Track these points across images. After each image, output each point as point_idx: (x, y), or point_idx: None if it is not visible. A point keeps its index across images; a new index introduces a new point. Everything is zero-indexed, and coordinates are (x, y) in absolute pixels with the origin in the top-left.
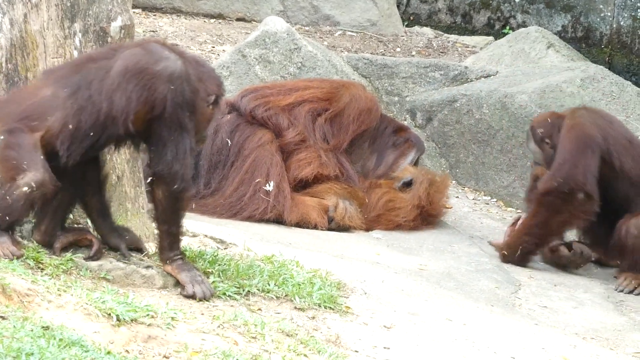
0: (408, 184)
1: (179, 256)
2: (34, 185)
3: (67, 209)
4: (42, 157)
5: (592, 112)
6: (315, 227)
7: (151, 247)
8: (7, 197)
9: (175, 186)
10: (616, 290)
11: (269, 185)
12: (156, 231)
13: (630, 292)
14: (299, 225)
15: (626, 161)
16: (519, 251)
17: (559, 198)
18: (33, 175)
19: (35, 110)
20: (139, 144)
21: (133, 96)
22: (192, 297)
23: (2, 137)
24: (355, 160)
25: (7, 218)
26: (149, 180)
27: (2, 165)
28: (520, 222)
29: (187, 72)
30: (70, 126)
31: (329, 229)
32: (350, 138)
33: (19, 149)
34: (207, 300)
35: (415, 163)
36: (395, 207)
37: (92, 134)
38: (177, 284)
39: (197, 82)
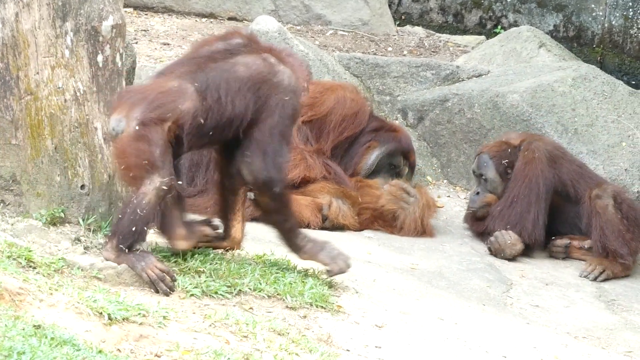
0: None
1: (305, 240)
2: (165, 189)
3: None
4: (170, 157)
5: (545, 143)
6: (308, 226)
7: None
8: (138, 210)
9: (276, 189)
10: (580, 276)
11: None
12: (276, 232)
13: (595, 278)
14: None
15: (580, 186)
16: None
17: None
18: (162, 178)
19: (165, 98)
20: (225, 149)
21: (250, 104)
22: (340, 272)
23: (136, 127)
24: (341, 161)
25: (134, 233)
26: (249, 189)
27: (133, 159)
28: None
29: (297, 83)
30: (202, 120)
31: (322, 228)
32: (332, 144)
33: (152, 144)
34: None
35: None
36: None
37: (211, 133)
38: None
39: (299, 85)
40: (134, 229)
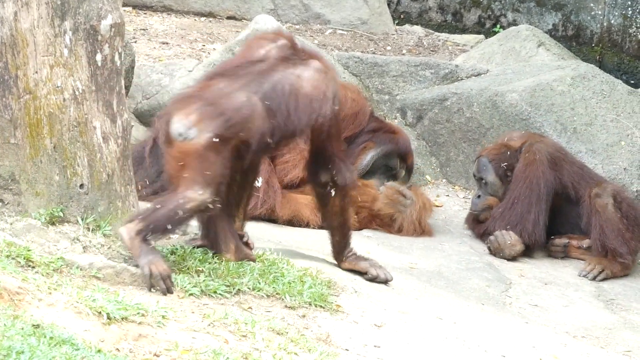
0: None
1: (352, 252)
2: (210, 207)
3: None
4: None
5: (547, 145)
6: (307, 225)
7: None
8: (179, 211)
9: (353, 192)
10: (579, 275)
11: (258, 182)
12: (333, 236)
13: (594, 277)
14: (291, 222)
15: (580, 187)
16: None
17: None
18: (212, 195)
19: (239, 116)
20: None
21: (312, 118)
22: (375, 279)
23: (210, 139)
24: None
25: (163, 229)
26: (329, 191)
27: (197, 164)
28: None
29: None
30: (269, 139)
31: (322, 227)
32: None
33: (219, 160)
34: (389, 282)
35: (396, 162)
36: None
37: (274, 147)
38: None
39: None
40: (166, 224)
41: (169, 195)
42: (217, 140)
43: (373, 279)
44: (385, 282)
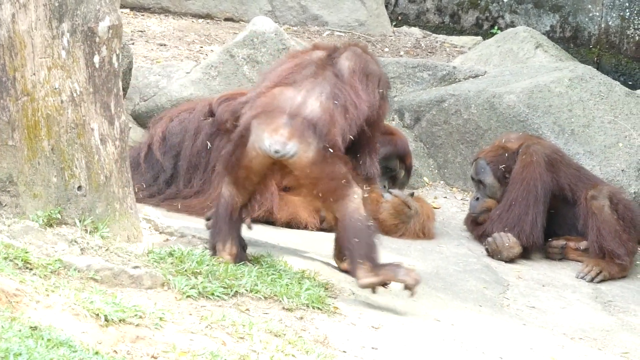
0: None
1: None
2: (365, 195)
3: None
4: None
5: (544, 147)
6: (305, 227)
7: (139, 247)
8: (366, 225)
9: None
10: (576, 277)
11: None
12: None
13: (592, 279)
14: (289, 225)
15: (577, 189)
16: None
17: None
18: (357, 187)
19: (322, 123)
20: None
21: (370, 102)
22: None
23: (322, 152)
24: None
25: (377, 247)
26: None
27: (331, 183)
28: None
29: None
30: (350, 137)
31: (320, 229)
32: None
33: (337, 164)
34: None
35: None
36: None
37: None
38: (165, 284)
39: None
40: (374, 243)
41: (344, 227)
42: (321, 149)
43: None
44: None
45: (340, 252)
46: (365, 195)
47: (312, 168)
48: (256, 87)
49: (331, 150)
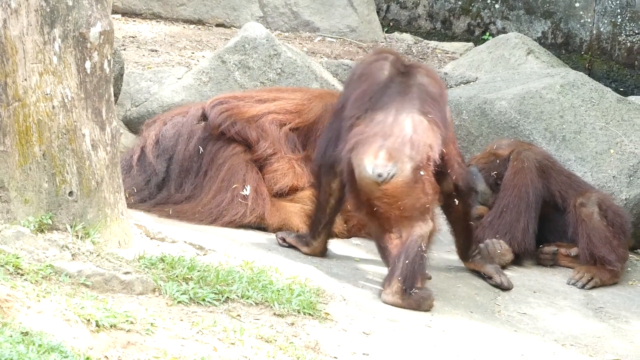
0: None
1: (477, 252)
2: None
3: None
4: None
5: (535, 153)
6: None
7: (130, 253)
8: (422, 254)
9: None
10: (567, 283)
11: (246, 190)
12: (457, 239)
13: (583, 286)
14: (280, 230)
15: (568, 196)
16: None
17: None
18: (432, 220)
19: (418, 140)
20: None
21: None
22: (499, 286)
23: (414, 170)
24: None
25: (419, 277)
26: (453, 201)
27: (413, 202)
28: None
29: None
30: (444, 150)
31: None
32: None
33: (426, 190)
34: (510, 289)
35: None
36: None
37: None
38: (156, 289)
39: None
40: (418, 274)
41: (402, 245)
42: (417, 169)
43: (497, 286)
44: (507, 289)
45: (464, 253)
46: (433, 230)
47: (404, 188)
48: (337, 114)
49: (422, 173)
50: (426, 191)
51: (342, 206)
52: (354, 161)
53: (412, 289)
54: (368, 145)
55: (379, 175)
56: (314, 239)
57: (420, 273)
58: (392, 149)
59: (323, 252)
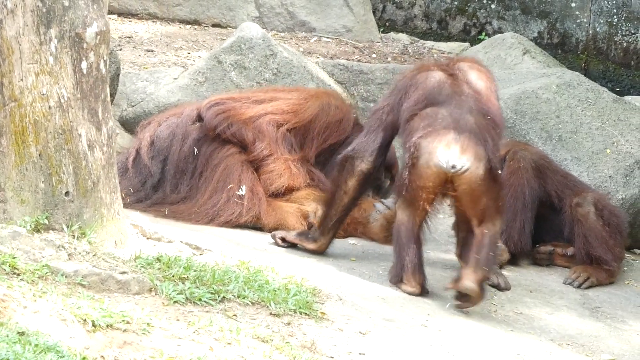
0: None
1: None
2: None
3: None
4: None
5: (531, 153)
6: None
7: (126, 253)
8: (497, 257)
9: None
10: (564, 283)
11: (242, 190)
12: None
13: (579, 285)
14: (276, 230)
15: (564, 196)
16: None
17: None
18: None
19: (488, 136)
20: None
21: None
22: (497, 286)
23: (490, 165)
24: (324, 168)
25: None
26: None
27: (490, 201)
28: None
29: None
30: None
31: None
32: (316, 151)
33: (498, 183)
34: (507, 290)
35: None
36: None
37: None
38: (152, 289)
39: None
40: (494, 264)
41: (483, 237)
42: (489, 166)
43: (494, 286)
44: (505, 290)
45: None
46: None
47: (481, 184)
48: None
49: (496, 168)
50: (500, 186)
51: (355, 207)
52: (422, 148)
53: (485, 281)
54: (441, 136)
55: (452, 167)
56: (322, 235)
57: (493, 267)
58: (466, 143)
59: (325, 250)
